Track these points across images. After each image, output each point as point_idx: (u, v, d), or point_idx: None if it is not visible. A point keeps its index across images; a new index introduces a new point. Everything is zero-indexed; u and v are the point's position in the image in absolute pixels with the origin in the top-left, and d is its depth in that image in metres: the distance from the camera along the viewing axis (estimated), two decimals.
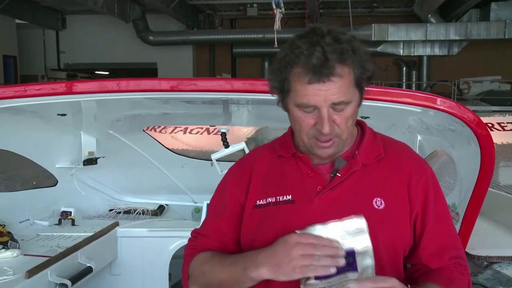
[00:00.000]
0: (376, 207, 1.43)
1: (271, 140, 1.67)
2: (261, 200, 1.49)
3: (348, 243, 1.31)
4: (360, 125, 1.57)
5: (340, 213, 1.41)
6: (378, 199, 1.44)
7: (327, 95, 1.33)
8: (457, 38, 16.97)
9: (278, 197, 1.48)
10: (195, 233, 1.64)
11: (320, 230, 1.32)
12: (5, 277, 2.32)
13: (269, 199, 1.48)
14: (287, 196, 1.47)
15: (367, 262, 1.31)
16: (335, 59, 1.31)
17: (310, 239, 1.30)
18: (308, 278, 1.28)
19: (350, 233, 1.32)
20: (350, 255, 1.30)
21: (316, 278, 1.28)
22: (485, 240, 2.70)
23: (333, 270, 1.26)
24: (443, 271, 1.48)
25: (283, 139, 1.59)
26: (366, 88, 1.44)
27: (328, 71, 1.31)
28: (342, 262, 1.28)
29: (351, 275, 1.29)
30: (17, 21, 18.51)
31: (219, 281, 1.44)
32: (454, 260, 1.50)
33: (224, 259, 1.45)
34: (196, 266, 1.52)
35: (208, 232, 1.58)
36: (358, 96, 1.41)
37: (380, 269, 1.41)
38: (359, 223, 1.33)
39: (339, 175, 1.45)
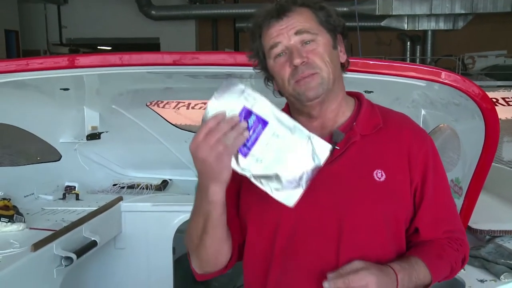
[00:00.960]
0: (377, 179, 1.42)
1: None
2: None
3: (238, 107, 1.25)
4: (357, 96, 1.57)
5: (340, 187, 1.41)
6: (379, 171, 1.43)
7: (288, 28, 1.40)
8: (463, 11, 16.78)
9: None
10: None
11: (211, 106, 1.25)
12: (12, 250, 2.35)
13: None
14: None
15: (265, 107, 1.25)
16: (289, 2, 1.43)
17: (202, 132, 1.24)
18: (238, 164, 1.26)
19: (233, 97, 1.25)
20: (248, 114, 1.25)
21: (245, 156, 1.25)
22: (488, 214, 2.70)
23: (246, 134, 1.24)
24: (434, 245, 1.47)
25: None
26: (341, 42, 1.48)
27: (284, 10, 1.41)
28: (237, 119, 1.23)
29: (267, 130, 1.25)
30: None
31: (194, 227, 1.41)
32: (450, 234, 1.50)
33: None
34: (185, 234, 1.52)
35: None
36: (329, 36, 1.44)
37: (381, 241, 1.42)
38: (233, 83, 1.26)
39: (338, 148, 1.44)
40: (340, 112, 1.50)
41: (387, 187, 1.42)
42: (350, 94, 1.56)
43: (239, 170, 1.27)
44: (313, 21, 1.42)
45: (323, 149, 1.27)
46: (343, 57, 1.50)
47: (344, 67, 1.52)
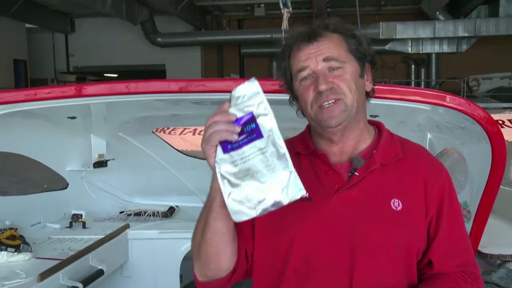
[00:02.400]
0: (394, 208, 1.42)
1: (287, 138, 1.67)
2: None
3: (247, 109, 1.27)
4: (377, 125, 1.58)
5: (357, 213, 1.41)
6: (396, 200, 1.43)
7: (317, 54, 1.41)
8: (466, 35, 16.83)
9: None
10: None
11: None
12: (18, 280, 2.34)
13: None
14: (305, 193, 1.47)
15: (269, 124, 1.26)
16: (321, 27, 1.45)
17: (218, 109, 1.28)
18: (216, 155, 1.27)
19: (245, 99, 1.27)
20: (251, 120, 1.26)
21: (225, 152, 1.25)
22: (498, 238, 2.67)
23: (235, 137, 1.24)
24: (447, 279, 1.45)
25: (301, 137, 1.59)
26: (368, 71, 1.49)
27: (315, 34, 1.43)
28: (233, 118, 1.25)
29: (258, 143, 1.25)
30: (27, 25, 18.65)
31: (198, 224, 1.43)
32: (464, 267, 1.48)
33: None
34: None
35: None
36: (357, 65, 1.45)
37: (393, 270, 1.40)
38: (252, 86, 1.28)
39: (357, 174, 1.44)
40: (361, 139, 1.51)
41: (403, 217, 1.41)
42: (370, 122, 1.57)
43: (212, 160, 1.27)
44: (342, 48, 1.43)
45: (296, 191, 1.23)
46: (369, 86, 1.50)
47: (369, 95, 1.53)
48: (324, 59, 1.40)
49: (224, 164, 1.25)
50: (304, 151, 1.53)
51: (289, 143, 1.58)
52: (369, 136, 1.52)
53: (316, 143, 1.52)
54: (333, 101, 1.40)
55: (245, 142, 1.25)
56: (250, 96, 1.27)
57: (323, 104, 1.40)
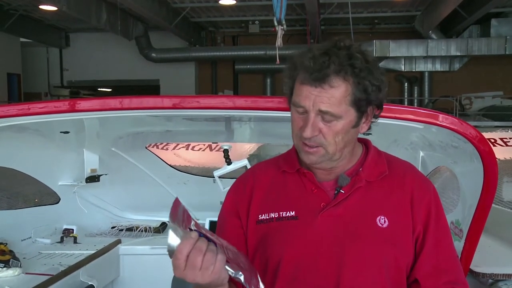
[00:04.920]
0: (380, 225, 1.42)
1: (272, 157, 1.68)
2: (264, 215, 1.49)
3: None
4: (365, 143, 1.58)
5: (343, 230, 1.40)
6: (382, 217, 1.43)
7: (316, 100, 1.35)
8: (458, 54, 16.99)
9: (281, 213, 1.47)
10: None
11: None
12: None
13: (272, 214, 1.48)
14: (291, 212, 1.46)
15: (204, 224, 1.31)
16: (333, 69, 1.33)
17: (181, 260, 1.28)
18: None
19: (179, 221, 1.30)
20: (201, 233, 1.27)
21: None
22: (490, 257, 2.67)
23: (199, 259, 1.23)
24: None
25: (287, 155, 1.59)
26: (370, 115, 1.45)
27: (322, 77, 1.33)
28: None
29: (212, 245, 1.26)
30: (22, 39, 18.66)
31: None
32: (451, 285, 1.46)
33: None
34: None
35: None
36: (355, 117, 1.40)
37: (382, 286, 1.40)
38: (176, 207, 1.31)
39: (343, 191, 1.45)
40: (349, 162, 1.51)
41: (389, 234, 1.42)
42: (358, 140, 1.56)
43: (227, 277, 1.27)
44: (344, 103, 1.36)
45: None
46: (364, 128, 1.48)
47: (363, 132, 1.51)
48: (320, 110, 1.36)
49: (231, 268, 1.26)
50: (290, 169, 1.53)
51: (275, 161, 1.60)
52: (356, 155, 1.52)
53: (303, 161, 1.52)
54: (314, 146, 1.40)
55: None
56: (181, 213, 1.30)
57: (305, 145, 1.41)
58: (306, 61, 1.37)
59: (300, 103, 1.38)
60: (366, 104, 1.40)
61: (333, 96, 1.35)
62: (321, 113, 1.37)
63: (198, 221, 1.30)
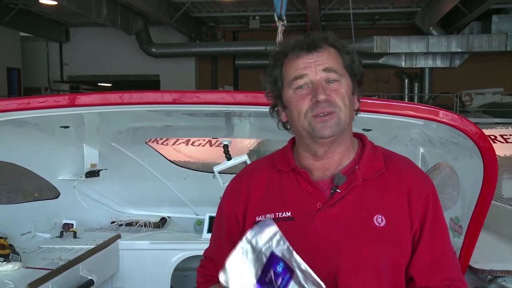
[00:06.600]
0: (377, 224, 1.41)
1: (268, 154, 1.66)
2: (260, 216, 1.47)
3: (268, 251, 1.25)
4: (361, 138, 1.57)
5: (339, 231, 1.40)
6: (379, 216, 1.42)
7: (317, 63, 1.41)
8: (459, 50, 16.98)
9: (277, 214, 1.46)
10: (204, 255, 1.66)
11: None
12: None
13: (268, 215, 1.46)
14: (287, 212, 1.45)
15: (296, 258, 1.25)
16: (321, 39, 1.45)
17: None
18: None
19: (266, 242, 1.26)
20: (276, 260, 1.24)
21: None
22: (489, 254, 2.68)
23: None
24: None
25: (282, 153, 1.57)
26: (356, 90, 1.49)
27: (316, 44, 1.43)
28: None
29: (293, 280, 1.23)
30: (22, 33, 18.62)
31: None
32: (447, 282, 1.45)
33: None
34: None
35: (216, 254, 1.57)
36: (350, 81, 1.46)
37: (381, 287, 1.39)
38: (270, 229, 1.27)
39: (339, 191, 1.43)
40: (345, 155, 1.50)
41: (386, 233, 1.40)
42: (354, 135, 1.56)
43: None
44: (339, 63, 1.44)
45: None
46: (356, 104, 1.51)
47: (356, 113, 1.53)
48: (324, 69, 1.41)
49: None
50: (285, 168, 1.51)
51: (269, 160, 1.58)
52: (353, 151, 1.52)
53: (300, 157, 1.51)
54: (328, 113, 1.40)
55: (284, 286, 1.23)
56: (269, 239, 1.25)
57: (319, 114, 1.40)
58: (293, 42, 1.46)
59: (302, 72, 1.41)
60: (354, 74, 1.47)
61: (330, 55, 1.43)
62: (326, 71, 1.41)
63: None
